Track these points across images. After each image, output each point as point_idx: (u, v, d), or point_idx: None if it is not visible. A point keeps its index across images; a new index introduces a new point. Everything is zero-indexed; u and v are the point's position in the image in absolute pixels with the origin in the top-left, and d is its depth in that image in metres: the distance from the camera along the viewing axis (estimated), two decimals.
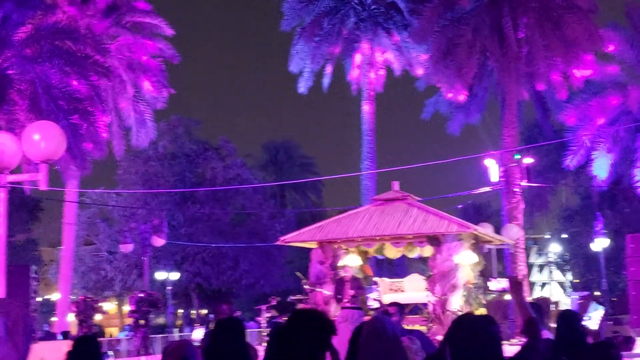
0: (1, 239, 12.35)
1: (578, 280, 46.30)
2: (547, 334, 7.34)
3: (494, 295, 21.77)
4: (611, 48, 29.65)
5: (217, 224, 43.59)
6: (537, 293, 44.16)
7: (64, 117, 24.00)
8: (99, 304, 30.33)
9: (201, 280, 43.91)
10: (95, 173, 29.93)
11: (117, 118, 30.83)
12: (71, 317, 29.86)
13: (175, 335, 35.08)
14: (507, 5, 28.06)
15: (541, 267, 47.42)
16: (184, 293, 46.28)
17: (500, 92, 30.21)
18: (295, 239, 20.47)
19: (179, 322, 49.54)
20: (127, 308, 38.17)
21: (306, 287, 19.42)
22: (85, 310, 21.88)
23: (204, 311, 47.34)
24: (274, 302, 22.31)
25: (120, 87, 29.95)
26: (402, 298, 18.64)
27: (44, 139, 11.99)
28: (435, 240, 18.45)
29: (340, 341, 4.97)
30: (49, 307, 47.78)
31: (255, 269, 43.97)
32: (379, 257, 22.20)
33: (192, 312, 48.86)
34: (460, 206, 48.74)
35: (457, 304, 17.79)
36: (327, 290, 18.74)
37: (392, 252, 20.47)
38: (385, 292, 19.92)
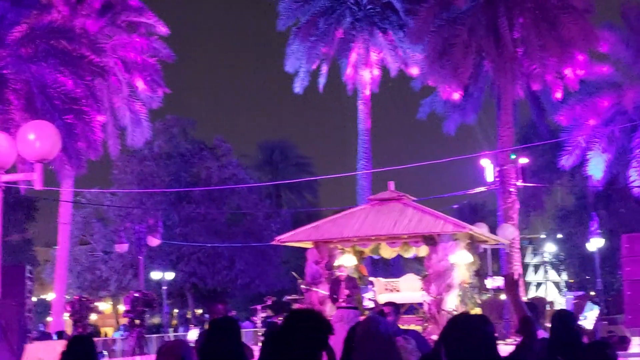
0: None
1: (573, 280, 46.40)
2: (542, 334, 7.34)
3: (489, 295, 21.80)
4: (606, 48, 29.72)
5: (213, 223, 43.56)
6: (533, 293, 44.25)
7: (59, 117, 23.96)
8: (94, 304, 30.21)
9: (196, 280, 43.89)
10: (90, 173, 29.92)
11: (113, 118, 30.78)
12: (66, 317, 29.83)
13: (171, 335, 35.04)
14: (503, 5, 28.08)
15: (536, 267, 47.53)
16: (180, 293, 46.26)
17: (495, 92, 30.24)
18: (291, 238, 20.47)
19: (174, 321, 49.53)
20: (122, 308, 38.11)
21: (302, 286, 19.43)
22: (81, 310, 21.83)
23: (199, 311, 47.33)
24: (269, 302, 22.31)
25: (115, 86, 29.90)
26: (397, 298, 18.65)
27: (39, 138, 11.97)
28: (430, 240, 18.45)
29: (336, 341, 4.96)
30: (44, 307, 47.70)
31: (251, 268, 43.94)
32: (375, 257, 22.21)
33: (187, 312, 48.82)
34: (455, 206, 48.83)
35: (452, 303, 17.80)
36: (322, 290, 18.74)
37: (387, 252, 20.48)
38: (381, 292, 19.94)
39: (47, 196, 30.73)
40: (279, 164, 59.79)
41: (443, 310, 17.59)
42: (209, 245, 40.83)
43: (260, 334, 21.22)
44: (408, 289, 19.97)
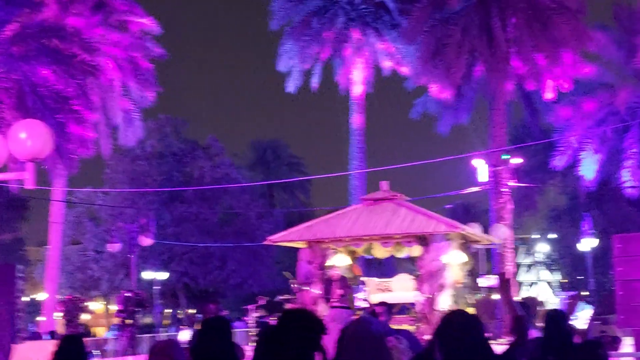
0: None
1: (566, 280, 46.49)
2: (534, 333, 7.33)
3: (481, 295, 21.82)
4: (599, 49, 29.79)
5: (205, 223, 43.50)
6: (525, 293, 44.30)
7: (51, 116, 23.89)
8: (86, 304, 30.22)
9: (188, 280, 43.82)
10: (82, 172, 29.86)
11: (105, 117, 30.70)
12: (58, 317, 29.73)
13: (163, 335, 34.95)
14: (496, 5, 28.10)
15: (529, 267, 47.60)
16: (172, 293, 46.17)
17: (488, 93, 30.26)
18: (283, 238, 20.43)
19: (166, 321, 49.43)
20: (114, 308, 38.03)
21: (294, 286, 19.39)
22: (72, 309, 21.78)
23: (192, 311, 47.24)
24: (261, 302, 22.27)
25: (107, 85, 29.84)
26: (390, 298, 18.64)
27: (30, 137, 11.88)
28: (423, 240, 18.44)
29: (329, 341, 4.95)
30: (36, 307, 47.57)
31: (243, 268, 43.90)
32: (368, 257, 22.19)
33: (179, 311, 48.74)
34: (449, 206, 48.89)
35: (445, 303, 17.79)
36: (315, 290, 18.72)
37: (380, 251, 20.46)
38: (374, 292, 19.91)
39: (39, 195, 30.66)
40: (272, 163, 59.73)
41: (436, 310, 17.59)
42: (201, 245, 40.77)
43: (253, 334, 21.18)
44: (401, 289, 19.94)
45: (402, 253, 20.26)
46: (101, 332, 46.58)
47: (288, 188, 57.59)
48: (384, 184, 20.23)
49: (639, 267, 13.02)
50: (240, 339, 25.76)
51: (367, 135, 36.95)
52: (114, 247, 32.11)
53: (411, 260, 22.98)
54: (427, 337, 14.89)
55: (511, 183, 29.07)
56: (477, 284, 21.87)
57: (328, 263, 19.21)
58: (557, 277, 47.73)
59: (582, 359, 5.93)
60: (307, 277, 19.32)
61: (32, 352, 16.59)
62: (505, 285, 5.48)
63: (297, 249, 20.56)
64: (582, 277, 40.79)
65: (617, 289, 13.54)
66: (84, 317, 38.37)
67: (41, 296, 41.53)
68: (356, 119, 36.47)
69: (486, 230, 25.59)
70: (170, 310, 50.92)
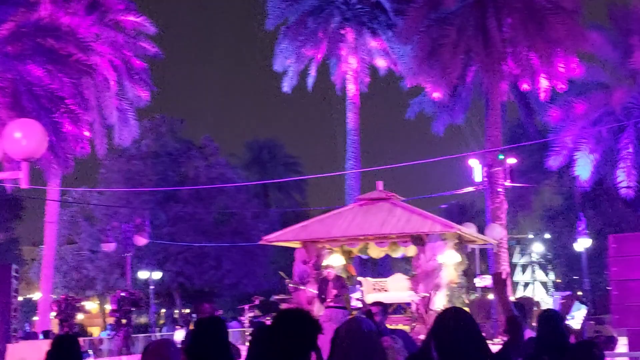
0: None
1: (560, 280, 46.54)
2: (529, 333, 7.33)
3: (477, 295, 21.83)
4: (594, 49, 29.83)
5: (200, 223, 43.45)
6: (520, 293, 44.36)
7: (46, 115, 23.83)
8: (81, 303, 30.12)
9: (184, 279, 43.76)
10: (77, 172, 29.82)
11: (100, 116, 30.66)
12: (53, 317, 29.68)
13: (158, 334, 34.93)
14: (492, 5, 28.13)
15: (524, 267, 47.66)
16: (167, 292, 46.11)
17: (484, 93, 30.29)
18: (279, 238, 20.44)
19: (161, 321, 49.38)
20: (109, 307, 37.99)
21: (290, 285, 19.38)
22: (67, 309, 21.74)
23: (187, 310, 47.19)
24: (256, 302, 22.24)
25: (103, 85, 29.80)
26: (385, 297, 18.64)
27: (25, 137, 11.85)
28: (419, 239, 18.45)
29: (325, 341, 4.94)
30: (30, 307, 47.47)
31: (239, 268, 43.86)
32: (363, 256, 22.20)
33: (174, 311, 48.69)
34: (444, 206, 48.91)
35: (440, 303, 17.80)
36: (311, 289, 18.72)
37: (375, 251, 20.47)
38: (369, 292, 19.92)
39: (34, 195, 30.60)
40: (267, 163, 59.68)
41: (431, 310, 17.59)
42: (197, 245, 40.73)
43: (248, 333, 21.16)
44: (396, 289, 19.96)
45: (398, 253, 20.27)
46: (96, 331, 46.55)
47: (283, 188, 57.55)
48: (380, 184, 20.25)
49: (634, 267, 13.03)
50: (236, 338, 25.77)
51: (362, 135, 37.01)
52: (109, 247, 32.06)
53: (406, 260, 23.01)
54: (423, 337, 14.89)
55: (507, 183, 29.10)
56: (473, 284, 21.89)
57: (323, 263, 19.22)
58: (552, 277, 47.79)
59: (577, 359, 5.93)
60: (302, 277, 19.33)
61: (27, 352, 16.55)
62: (500, 285, 5.47)
63: (292, 249, 20.56)
64: (577, 277, 40.82)
65: (612, 289, 13.56)
66: (79, 316, 38.34)
67: (36, 296, 41.49)
68: (352, 119, 36.47)
69: (481, 230, 25.63)
70: (165, 310, 50.85)
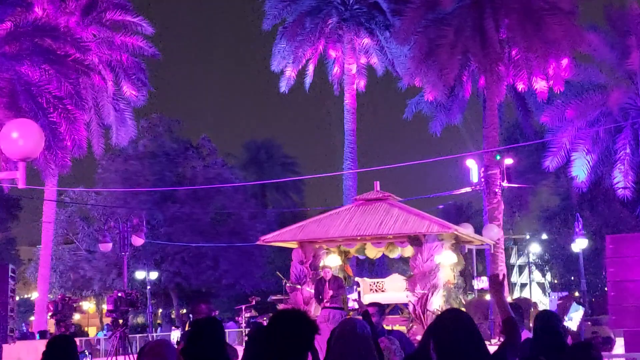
0: None
1: (557, 281, 46.55)
2: (527, 334, 7.34)
3: (474, 295, 21.84)
4: (591, 50, 29.86)
5: (198, 223, 43.40)
6: (517, 293, 44.38)
7: (43, 115, 23.83)
8: (78, 304, 29.97)
9: (181, 279, 43.71)
10: (74, 172, 29.79)
11: (97, 116, 30.66)
12: (49, 317, 29.62)
13: (155, 334, 34.91)
14: (490, 6, 28.15)
15: (521, 268, 47.67)
16: (164, 293, 46.06)
17: (481, 93, 30.32)
18: (276, 238, 20.42)
19: (158, 321, 49.33)
20: (106, 307, 37.93)
21: (288, 285, 19.39)
22: (63, 309, 21.67)
23: (184, 311, 47.16)
24: (253, 302, 22.25)
25: (100, 85, 29.79)
26: (382, 298, 18.65)
27: (22, 137, 11.82)
28: (416, 240, 18.45)
29: (322, 341, 4.94)
30: (27, 307, 47.44)
31: (236, 269, 43.80)
32: (360, 257, 22.19)
33: (171, 311, 48.65)
34: (441, 206, 48.90)
35: (437, 304, 17.81)
36: (308, 288, 18.72)
37: (373, 252, 20.47)
38: (366, 292, 19.93)
39: (31, 195, 30.57)
40: (265, 163, 59.68)
41: (428, 310, 17.60)
42: (194, 245, 40.68)
43: (245, 334, 21.15)
44: (393, 289, 19.97)
45: (395, 253, 20.27)
46: (93, 331, 46.50)
47: (281, 188, 57.55)
48: (377, 184, 20.25)
49: (631, 268, 13.05)
50: (233, 339, 25.76)
51: (360, 135, 36.98)
52: (106, 247, 32.01)
53: (404, 260, 23.01)
54: (420, 337, 14.88)
55: (504, 184, 29.11)
56: (470, 284, 21.91)
57: (320, 263, 19.22)
58: (549, 278, 47.81)
59: None
60: (299, 278, 19.33)
61: (23, 352, 16.54)
62: (497, 287, 5.47)
63: (290, 249, 20.56)
64: (574, 278, 40.85)
65: (609, 290, 13.58)
66: (76, 316, 38.25)
67: (33, 296, 41.46)
68: (349, 119, 36.44)
69: (479, 231, 25.64)
70: (162, 310, 50.79)
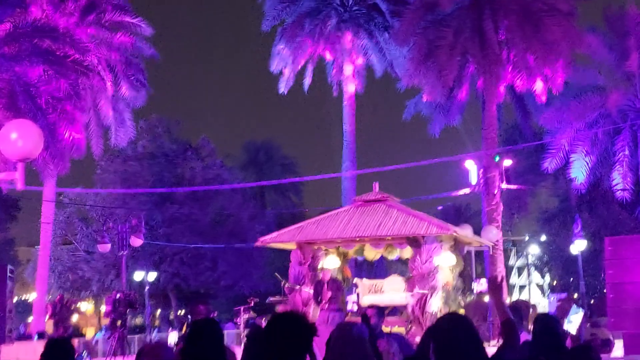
0: None
1: (556, 283, 46.52)
2: (525, 336, 7.33)
3: (473, 297, 21.82)
4: (590, 51, 29.86)
5: (197, 224, 43.38)
6: (516, 295, 44.34)
7: (42, 116, 23.81)
8: (76, 305, 30.02)
9: (179, 280, 43.68)
10: (73, 172, 29.79)
11: (96, 117, 30.65)
12: (47, 318, 29.58)
13: (153, 335, 34.88)
14: (488, 7, 28.15)
15: (520, 269, 47.62)
16: (162, 294, 46.02)
17: (480, 94, 30.30)
18: (275, 240, 20.42)
19: (156, 322, 49.30)
20: (104, 308, 37.92)
21: (286, 286, 19.38)
22: (62, 311, 21.67)
23: (182, 312, 47.13)
24: (252, 304, 22.22)
25: (99, 86, 29.78)
26: (381, 299, 18.64)
27: (21, 137, 11.82)
28: (415, 241, 18.45)
29: (320, 343, 4.94)
30: (25, 308, 47.38)
31: (235, 270, 43.78)
32: (359, 258, 22.18)
33: (170, 312, 48.61)
34: (440, 207, 48.89)
35: (436, 305, 17.80)
36: (307, 289, 18.70)
37: (371, 253, 20.46)
38: (365, 293, 19.91)
39: (30, 195, 30.55)
40: (264, 164, 59.65)
41: (427, 312, 17.59)
42: (192, 246, 40.66)
43: (243, 335, 21.14)
44: (392, 290, 19.94)
45: (394, 255, 20.27)
46: (91, 332, 46.44)
47: (280, 189, 57.51)
48: (376, 186, 20.26)
49: (630, 270, 13.06)
50: (231, 340, 25.74)
51: (359, 136, 37.00)
52: (105, 248, 32.00)
53: (402, 261, 23.00)
54: (418, 338, 14.86)
55: (503, 185, 29.09)
56: (469, 286, 21.89)
57: (319, 265, 19.22)
58: (547, 279, 47.76)
59: None
60: (298, 279, 19.32)
61: (21, 353, 16.52)
62: (495, 289, 5.47)
63: (289, 251, 20.55)
64: (573, 280, 40.82)
65: (608, 292, 13.59)
66: (74, 317, 38.23)
67: (31, 296, 41.42)
68: (348, 120, 36.46)
69: (477, 232, 25.62)
70: (161, 311, 50.75)
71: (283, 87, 36.26)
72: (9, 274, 17.86)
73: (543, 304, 37.17)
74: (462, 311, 18.36)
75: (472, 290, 21.94)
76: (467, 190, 30.02)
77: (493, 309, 19.40)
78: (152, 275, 41.32)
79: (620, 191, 29.42)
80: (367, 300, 18.68)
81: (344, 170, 35.91)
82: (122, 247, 30.12)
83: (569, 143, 29.89)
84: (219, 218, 45.65)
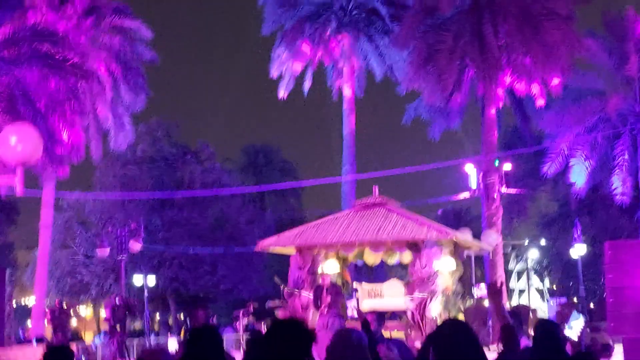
0: None
1: (556, 287, 46.51)
2: (525, 342, 7.31)
3: (473, 301, 21.78)
4: (589, 55, 29.86)
5: (196, 228, 43.34)
6: (515, 299, 44.33)
7: (42, 120, 23.80)
8: (75, 309, 29.99)
9: (178, 284, 43.62)
10: (72, 176, 29.72)
11: (95, 121, 30.61)
12: (46, 323, 29.50)
13: (152, 340, 34.82)
14: (488, 11, 28.17)
15: (519, 274, 47.61)
16: (161, 298, 45.96)
17: (480, 98, 30.31)
18: (274, 244, 20.39)
19: (155, 327, 49.22)
20: (103, 312, 37.86)
21: (286, 290, 19.32)
22: (60, 316, 21.64)
23: (182, 316, 47.09)
24: (251, 309, 22.19)
25: (98, 89, 29.76)
26: (380, 303, 18.62)
27: (20, 142, 11.81)
28: (414, 246, 18.42)
29: (320, 349, 4.93)
30: (24, 312, 47.31)
31: (234, 274, 43.74)
32: (359, 262, 22.15)
33: (169, 317, 48.55)
34: (440, 211, 48.86)
35: (436, 310, 17.77)
36: (306, 293, 18.66)
37: (371, 257, 20.42)
38: (364, 298, 19.87)
39: (29, 199, 30.53)
40: (263, 168, 59.59)
41: (426, 316, 17.56)
42: (192, 250, 40.61)
43: (243, 340, 21.12)
44: (391, 295, 19.91)
45: (393, 259, 20.23)
46: (90, 336, 46.36)
47: (279, 192, 57.41)
48: (376, 189, 20.23)
49: (630, 274, 13.02)
50: (230, 345, 25.69)
51: (358, 140, 36.98)
52: (104, 252, 31.95)
53: (402, 265, 22.97)
54: (418, 343, 14.82)
55: (502, 189, 29.09)
56: (468, 290, 21.86)
57: (319, 269, 19.18)
58: (547, 283, 47.76)
59: None
60: (297, 283, 19.28)
61: (20, 357, 16.47)
62: (495, 294, 5.46)
63: (288, 254, 20.52)
64: (573, 284, 40.79)
65: (607, 296, 13.53)
66: (73, 321, 38.17)
67: (30, 300, 41.35)
68: (348, 124, 36.46)
69: (477, 236, 25.60)
70: (160, 316, 50.67)
71: (283, 91, 36.27)
72: (7, 278, 17.82)
73: (543, 308, 37.16)
74: (461, 316, 18.34)
75: (472, 295, 21.91)
76: (467, 194, 30.03)
77: (493, 313, 19.38)
78: (151, 280, 41.27)
79: (619, 195, 29.41)
80: (366, 304, 18.65)
81: (343, 174, 35.90)
82: (121, 251, 30.09)
83: (568, 147, 29.89)
84: (218, 222, 45.62)
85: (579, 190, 30.24)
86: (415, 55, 28.94)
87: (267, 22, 35.84)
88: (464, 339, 4.27)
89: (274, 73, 35.97)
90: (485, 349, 4.50)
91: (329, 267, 19.46)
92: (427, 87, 29.15)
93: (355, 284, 20.43)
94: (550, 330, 6.42)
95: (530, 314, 23.21)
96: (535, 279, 47.43)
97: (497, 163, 28.92)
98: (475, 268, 25.96)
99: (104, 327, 32.02)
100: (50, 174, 27.41)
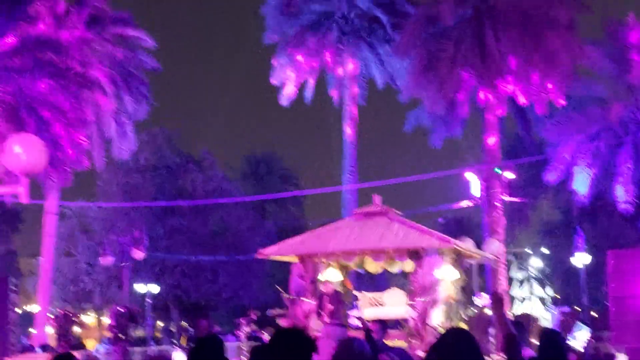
0: None
1: (558, 296, 46.44)
2: (528, 352, 7.34)
3: (475, 310, 21.77)
4: (591, 63, 29.86)
5: (197, 236, 43.40)
6: (518, 307, 44.24)
7: (45, 129, 23.88)
8: (79, 318, 29.98)
9: (180, 292, 43.66)
10: (75, 184, 29.81)
11: (98, 129, 30.70)
12: (50, 330, 29.55)
13: (154, 348, 34.82)
14: (489, 19, 28.21)
15: (522, 282, 47.54)
16: (163, 306, 45.98)
17: (481, 106, 30.34)
18: (275, 252, 20.38)
19: (157, 334, 49.22)
20: (106, 320, 37.83)
21: (286, 297, 19.32)
22: (65, 324, 21.69)
23: (184, 324, 47.08)
24: (253, 317, 22.19)
25: (101, 98, 29.85)
26: (382, 312, 18.61)
27: (25, 151, 11.86)
28: (416, 254, 18.42)
29: (321, 357, 4.97)
30: (28, 319, 47.27)
31: (235, 281, 43.77)
32: (360, 270, 22.14)
33: (171, 324, 48.53)
34: (441, 220, 48.82)
35: (437, 319, 17.76)
36: (308, 300, 18.66)
37: (373, 266, 20.42)
38: (365, 306, 19.86)
39: (32, 207, 30.58)
40: (265, 176, 59.64)
41: (428, 325, 17.55)
42: (193, 258, 40.66)
43: (244, 348, 21.14)
44: (393, 304, 19.90)
45: (395, 267, 20.22)
46: (92, 344, 46.32)
47: (280, 201, 57.44)
48: (377, 198, 20.21)
49: (632, 283, 13.04)
50: (232, 353, 25.70)
51: (360, 148, 37.03)
52: (107, 261, 31.97)
53: (403, 273, 22.97)
54: (420, 352, 14.85)
55: (504, 197, 29.07)
56: (470, 299, 21.85)
57: (320, 277, 19.17)
58: (549, 292, 47.68)
59: None
60: (299, 292, 19.28)
61: None
62: (498, 304, 5.50)
63: (289, 262, 20.53)
64: (575, 293, 40.74)
65: (610, 306, 13.54)
66: (76, 329, 38.15)
67: (34, 308, 41.34)
68: (349, 132, 36.51)
69: (479, 245, 25.59)
70: (163, 324, 50.65)
71: (284, 100, 36.35)
72: (11, 286, 17.86)
73: (546, 316, 37.08)
74: (463, 325, 18.32)
75: (473, 304, 21.90)
76: (468, 203, 30.02)
77: (496, 323, 19.38)
78: (153, 287, 41.30)
79: (622, 204, 29.37)
80: (367, 313, 18.65)
81: (344, 182, 35.93)
82: (123, 259, 30.13)
83: (570, 155, 29.85)
84: (220, 230, 45.66)
85: (581, 199, 30.20)
86: (417, 63, 28.99)
87: (269, 30, 35.95)
88: (467, 348, 4.31)
89: (276, 81, 36.06)
90: (487, 359, 4.54)
91: (330, 276, 19.45)
92: (428, 95, 29.18)
93: (356, 293, 20.43)
94: (554, 340, 6.45)
95: (533, 322, 23.18)
96: (537, 288, 47.36)
97: (499, 171, 28.91)
98: (477, 277, 25.94)
99: (107, 334, 32.01)
100: (54, 183, 27.47)
